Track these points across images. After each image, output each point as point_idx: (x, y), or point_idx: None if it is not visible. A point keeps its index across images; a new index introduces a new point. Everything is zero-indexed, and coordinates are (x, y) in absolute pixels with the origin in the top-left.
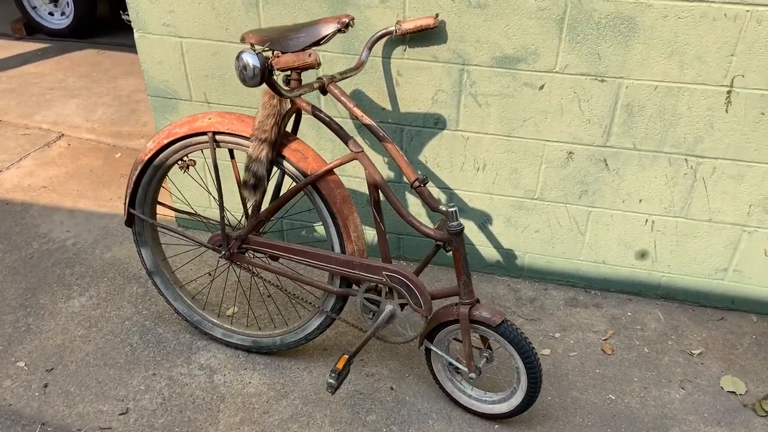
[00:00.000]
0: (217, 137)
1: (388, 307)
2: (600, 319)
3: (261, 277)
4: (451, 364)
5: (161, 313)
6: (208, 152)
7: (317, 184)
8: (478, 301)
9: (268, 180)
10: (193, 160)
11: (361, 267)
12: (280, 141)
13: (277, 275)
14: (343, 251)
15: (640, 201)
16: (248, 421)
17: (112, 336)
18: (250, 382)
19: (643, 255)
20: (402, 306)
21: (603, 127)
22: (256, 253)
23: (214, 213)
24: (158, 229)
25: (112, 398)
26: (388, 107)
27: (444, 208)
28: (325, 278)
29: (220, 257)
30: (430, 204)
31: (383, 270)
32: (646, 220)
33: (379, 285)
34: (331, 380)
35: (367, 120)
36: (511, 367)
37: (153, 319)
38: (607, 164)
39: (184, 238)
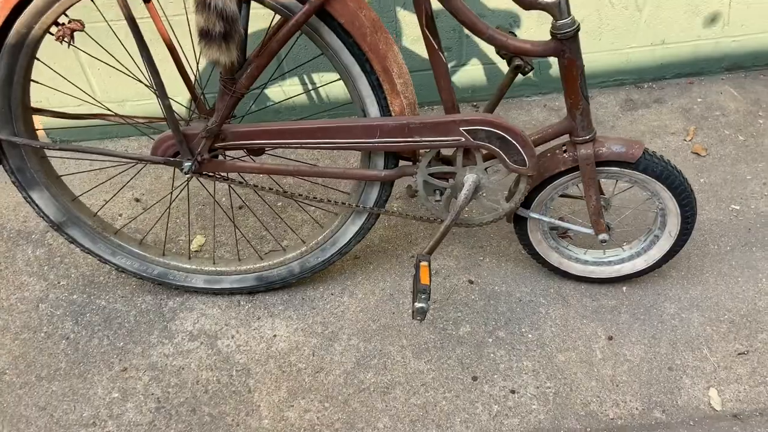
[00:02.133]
0: None
1: (471, 177)
2: (671, 116)
3: (246, 183)
4: (554, 228)
5: (91, 276)
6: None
7: (327, 7)
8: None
9: (246, 23)
10: (78, 20)
11: (425, 129)
12: None
13: (271, 177)
14: (386, 112)
15: None
16: (302, 391)
17: (30, 333)
18: (275, 336)
19: (713, 20)
20: (486, 169)
21: None
22: (231, 152)
23: (136, 106)
24: (47, 153)
25: (75, 426)
26: None
27: (549, 0)
28: (352, 163)
29: (185, 173)
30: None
31: (461, 124)
32: None
33: (452, 149)
34: (421, 304)
35: None
36: (650, 210)
37: (83, 289)
38: None
39: (108, 157)
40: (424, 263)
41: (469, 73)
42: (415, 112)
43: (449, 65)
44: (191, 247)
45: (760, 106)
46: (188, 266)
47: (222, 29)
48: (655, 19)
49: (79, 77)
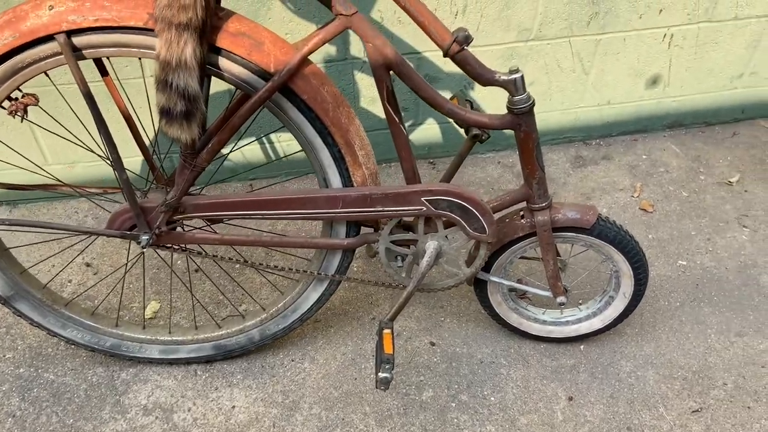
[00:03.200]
0: (76, 40)
1: (432, 245)
2: (619, 172)
3: (206, 254)
4: (513, 290)
5: (39, 347)
6: (60, 70)
7: (290, 85)
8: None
9: (207, 95)
10: (33, 95)
11: (387, 199)
12: (209, 20)
13: (233, 247)
14: (348, 182)
15: (661, 11)
16: None
17: None
18: (234, 407)
19: (654, 81)
20: (447, 236)
21: None
22: (189, 221)
23: (88, 167)
24: None
25: None
26: None
27: (505, 77)
28: (310, 231)
29: (143, 247)
30: (480, 75)
31: (423, 194)
32: (664, 36)
33: (412, 218)
34: (384, 374)
35: None
36: (604, 271)
37: (30, 362)
38: None
39: (59, 231)
40: (387, 331)
41: (426, 132)
42: (376, 182)
43: (409, 123)
44: (146, 314)
45: (700, 162)
46: (143, 336)
47: (183, 108)
48: (601, 81)
49: (27, 139)
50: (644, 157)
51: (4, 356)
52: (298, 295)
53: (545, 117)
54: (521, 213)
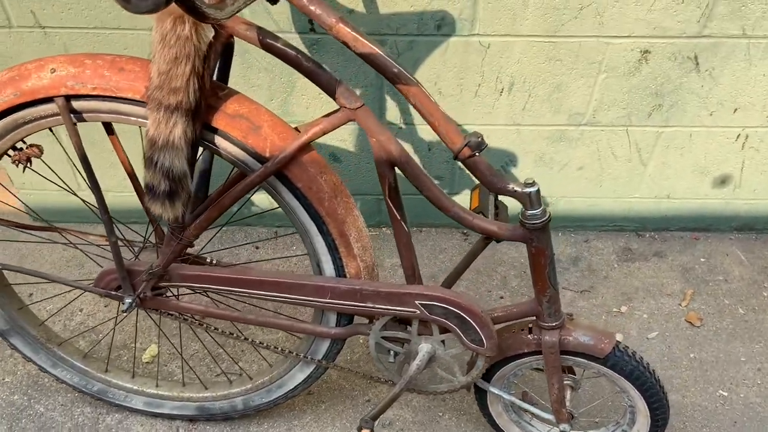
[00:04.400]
0: (76, 104)
1: (426, 348)
2: (670, 274)
3: (193, 321)
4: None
5: (37, 376)
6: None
7: (285, 171)
8: (571, 316)
9: (193, 176)
10: (37, 146)
11: (379, 297)
12: (204, 101)
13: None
14: (341, 273)
15: (735, 111)
16: None
17: None
18: None
19: (723, 181)
20: (443, 341)
21: (702, 6)
22: (180, 288)
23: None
24: None
25: None
26: (360, 7)
27: (519, 189)
28: (305, 311)
29: (124, 311)
30: (491, 182)
31: (417, 297)
32: (738, 136)
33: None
34: None
35: (369, 46)
36: (617, 402)
37: (25, 390)
38: (697, 63)
39: (48, 281)
40: (365, 431)
41: (462, 201)
42: (372, 274)
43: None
44: (144, 358)
45: (767, 275)
46: (129, 386)
47: (167, 188)
48: (660, 174)
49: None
50: (702, 260)
51: (3, 380)
52: (284, 372)
53: (594, 202)
54: (529, 326)
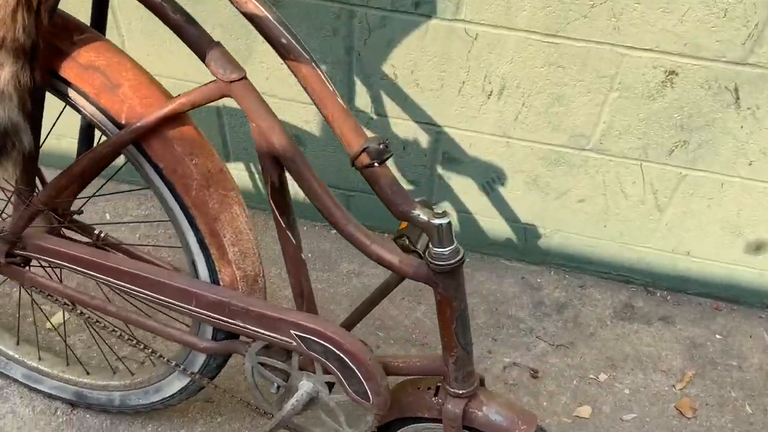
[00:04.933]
0: None
1: (306, 387)
2: (672, 345)
3: (56, 300)
4: None
5: None
6: None
7: (144, 145)
8: (482, 382)
9: (35, 130)
10: None
11: (250, 317)
12: (47, 39)
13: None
14: (215, 278)
15: None
16: None
17: None
18: None
19: (759, 248)
20: (330, 385)
21: (750, 25)
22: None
23: None
24: None
25: None
26: None
27: (425, 217)
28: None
29: None
30: (391, 202)
31: (292, 327)
32: None
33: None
34: None
35: (254, 5)
36: None
37: None
38: (737, 97)
39: None
40: None
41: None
42: (255, 287)
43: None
44: (53, 321)
45: None
46: (11, 353)
47: None
48: (680, 225)
49: None
50: (718, 336)
51: None
52: (163, 376)
53: (596, 243)
54: (438, 386)
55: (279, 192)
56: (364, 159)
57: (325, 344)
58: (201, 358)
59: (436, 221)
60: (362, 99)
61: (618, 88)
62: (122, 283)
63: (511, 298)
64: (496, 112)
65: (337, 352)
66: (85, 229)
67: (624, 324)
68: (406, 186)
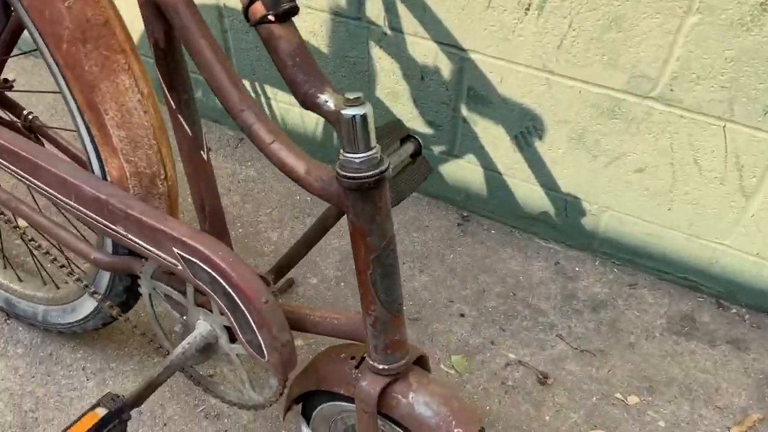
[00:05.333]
0: None
1: (202, 328)
2: (739, 377)
3: None
4: None
5: None
6: None
7: None
8: (421, 361)
9: None
10: None
11: (130, 223)
12: None
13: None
14: (104, 173)
15: None
16: None
17: None
18: None
19: None
20: (229, 329)
21: None
22: None
23: None
24: None
25: None
26: None
27: (332, 104)
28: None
29: None
30: (292, 79)
31: (175, 243)
32: None
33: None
34: None
35: None
36: None
37: None
38: None
39: None
40: (99, 410)
41: (463, 172)
42: (153, 190)
43: (440, 148)
44: None
45: None
46: None
47: None
48: None
49: None
50: None
51: None
52: (77, 296)
53: (656, 232)
54: (363, 358)
55: (166, 58)
56: (258, 9)
57: (211, 272)
58: (106, 278)
59: (347, 112)
60: (374, 6)
61: (699, 10)
62: (6, 163)
63: (536, 284)
64: (535, 35)
65: (224, 284)
66: (14, 109)
67: (678, 340)
68: (424, 130)
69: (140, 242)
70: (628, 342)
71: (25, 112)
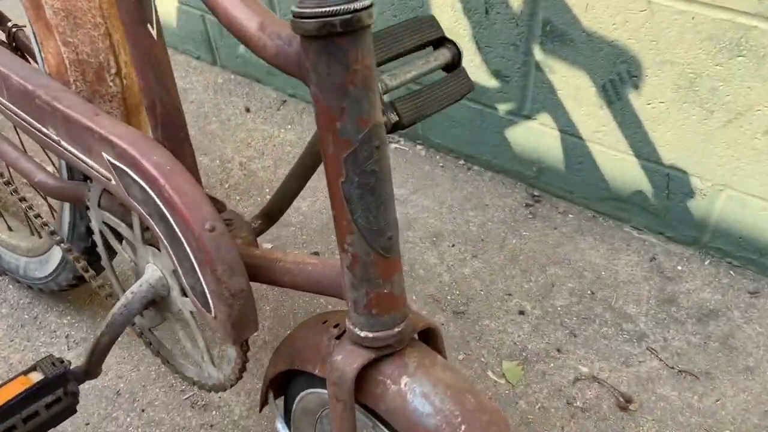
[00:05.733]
0: None
1: (150, 273)
2: None
3: None
4: None
5: None
6: None
7: None
8: (433, 333)
9: None
10: None
11: (57, 119)
12: None
13: None
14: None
15: None
16: None
17: None
18: None
19: None
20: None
21: None
22: None
23: None
24: None
25: None
26: None
27: None
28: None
29: None
30: None
31: (103, 143)
32: None
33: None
34: None
35: None
36: None
37: None
38: None
39: None
40: (33, 376)
41: (535, 138)
42: (99, 86)
43: (506, 107)
44: None
45: None
46: None
47: None
48: None
49: None
50: None
51: None
52: (50, 245)
53: (746, 204)
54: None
55: None
56: None
57: (143, 183)
58: (67, 218)
59: None
60: None
61: None
62: None
63: (624, 282)
64: None
65: (158, 201)
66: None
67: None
68: (488, 83)
69: (70, 148)
70: (744, 365)
71: (9, 24)
